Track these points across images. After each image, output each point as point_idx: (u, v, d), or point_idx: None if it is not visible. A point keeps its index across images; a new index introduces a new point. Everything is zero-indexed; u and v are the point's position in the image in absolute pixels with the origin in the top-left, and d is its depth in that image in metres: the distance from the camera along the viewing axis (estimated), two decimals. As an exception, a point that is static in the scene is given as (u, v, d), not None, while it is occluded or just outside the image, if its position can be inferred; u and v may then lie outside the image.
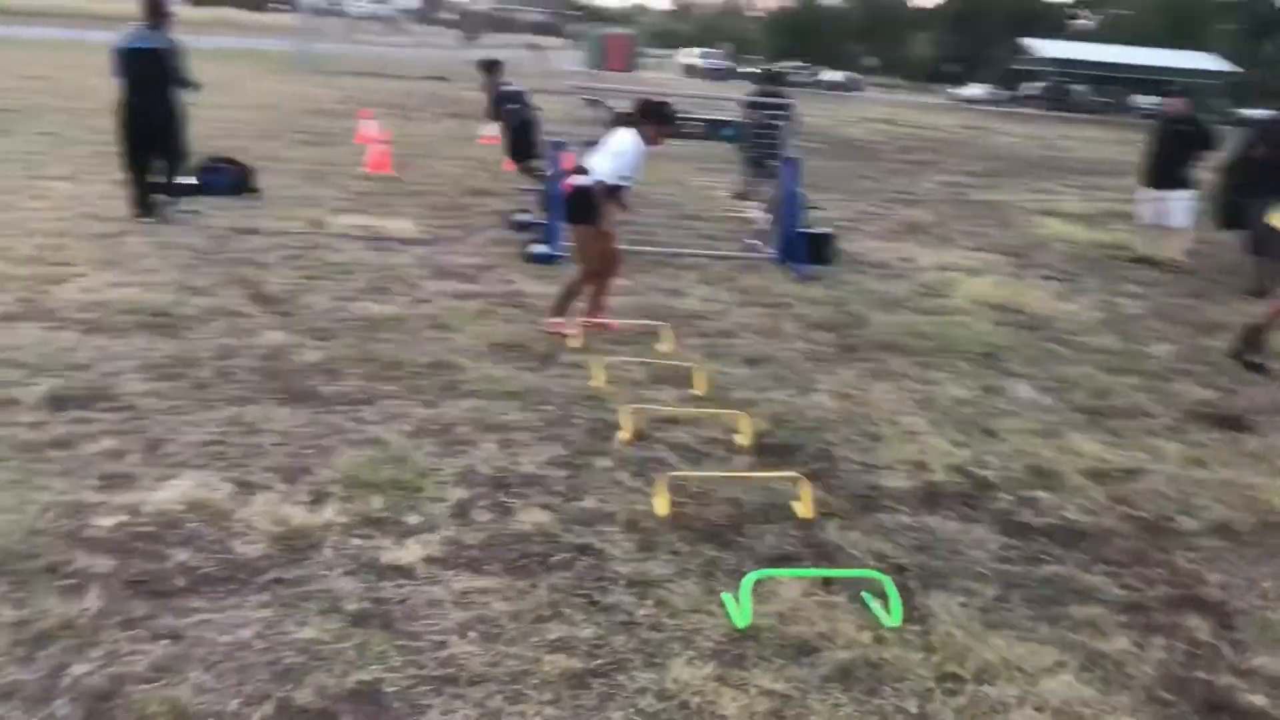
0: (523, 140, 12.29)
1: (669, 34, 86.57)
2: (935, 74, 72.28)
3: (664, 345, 6.91)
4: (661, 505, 4.52)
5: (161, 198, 9.67)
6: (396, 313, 7.22)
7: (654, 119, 6.96)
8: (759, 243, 10.60)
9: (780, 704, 3.29)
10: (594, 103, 9.82)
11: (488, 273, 8.71)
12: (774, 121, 10.70)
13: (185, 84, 9.42)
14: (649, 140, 6.88)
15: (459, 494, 4.54)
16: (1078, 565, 4.37)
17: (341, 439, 5.00)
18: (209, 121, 17.72)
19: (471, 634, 3.52)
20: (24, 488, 4.23)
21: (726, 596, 3.81)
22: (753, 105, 11.88)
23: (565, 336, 6.76)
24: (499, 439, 5.16)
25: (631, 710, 3.19)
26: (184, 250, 8.48)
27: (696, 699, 3.27)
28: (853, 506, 4.75)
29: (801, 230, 10.19)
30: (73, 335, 6.16)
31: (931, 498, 4.93)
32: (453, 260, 9.06)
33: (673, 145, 8.06)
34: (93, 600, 3.52)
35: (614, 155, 6.77)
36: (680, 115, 9.51)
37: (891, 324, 8.03)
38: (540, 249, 9.18)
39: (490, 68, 13.13)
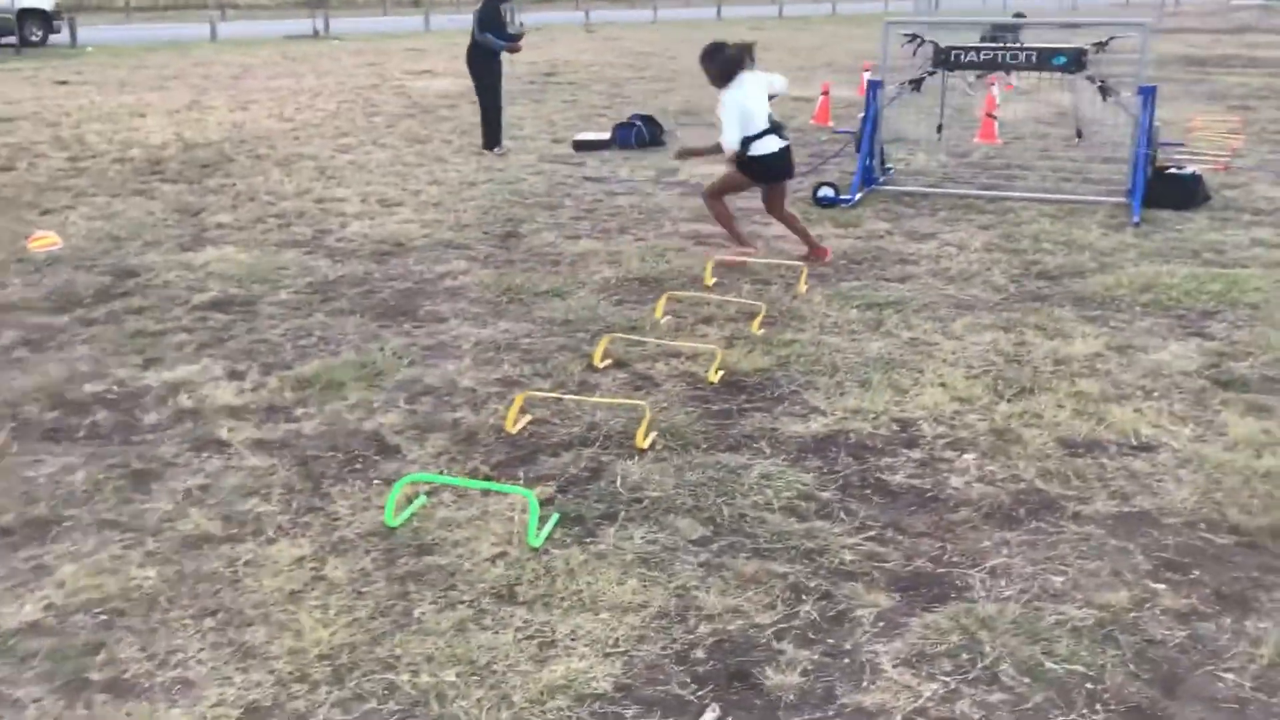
0: None
1: None
2: None
3: (800, 286, 6.73)
4: (509, 422, 4.73)
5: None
6: (589, 249, 7.75)
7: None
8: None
9: (312, 578, 3.53)
10: (913, 38, 9.35)
11: (758, 214, 8.80)
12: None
13: (481, 41, 11.31)
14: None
15: (363, 394, 5.10)
16: (851, 529, 3.85)
17: (351, 346, 5.75)
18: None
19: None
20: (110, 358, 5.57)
21: (392, 499, 4.00)
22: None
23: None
24: (474, 357, 5.59)
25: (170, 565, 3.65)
26: (509, 197, 9.64)
27: (247, 569, 3.63)
28: (708, 445, 4.55)
29: (1165, 170, 8.90)
30: (306, 259, 7.53)
31: (817, 445, 4.53)
32: (741, 204, 9.25)
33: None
34: None
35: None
36: (1009, 46, 8.87)
37: (1144, 274, 6.94)
38: (825, 192, 9.07)
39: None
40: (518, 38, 11.50)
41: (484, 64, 11.44)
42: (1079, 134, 9.62)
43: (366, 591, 3.47)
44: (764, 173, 7.03)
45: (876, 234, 8.11)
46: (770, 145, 6.92)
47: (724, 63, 6.88)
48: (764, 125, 6.85)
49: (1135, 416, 4.72)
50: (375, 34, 31.66)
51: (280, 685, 3.02)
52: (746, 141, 6.84)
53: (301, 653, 3.16)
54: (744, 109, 6.82)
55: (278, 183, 10.15)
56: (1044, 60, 8.91)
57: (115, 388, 5.22)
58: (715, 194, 7.35)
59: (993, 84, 13.74)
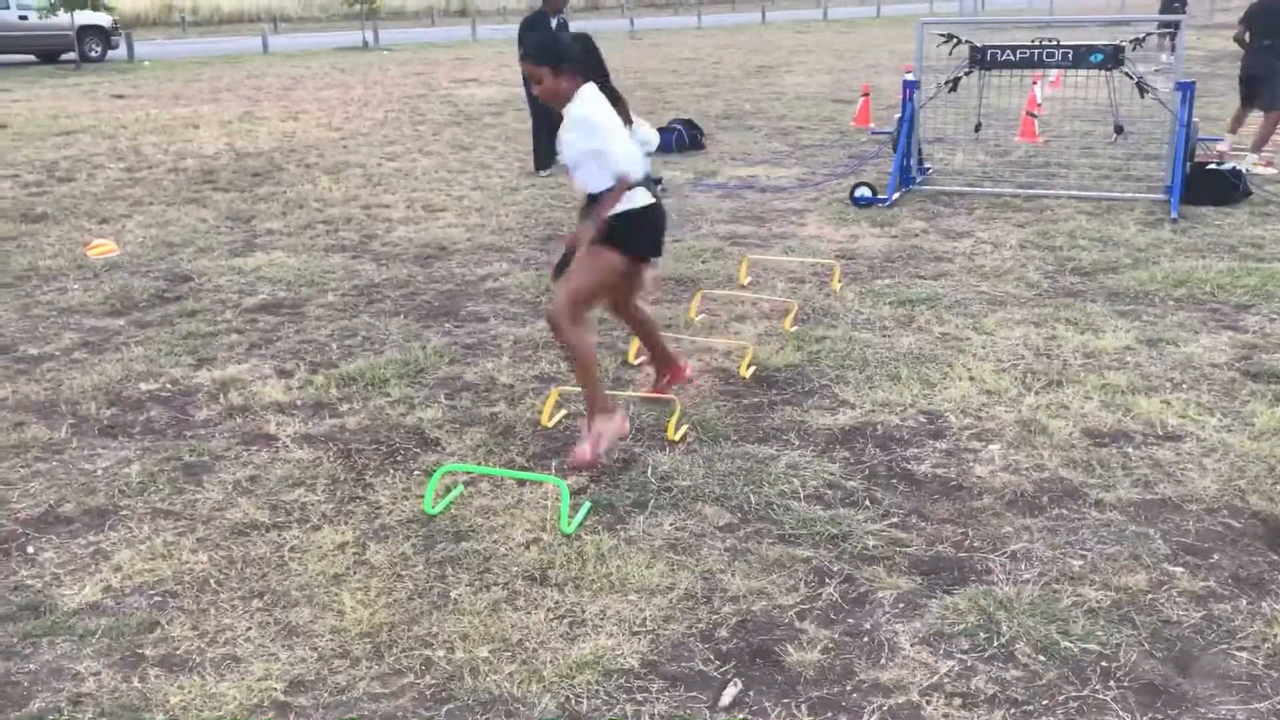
0: None
1: None
2: None
3: (834, 283, 6.82)
4: (545, 416, 4.87)
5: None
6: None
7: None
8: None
9: (354, 562, 3.70)
10: (949, 38, 9.41)
11: (794, 215, 8.94)
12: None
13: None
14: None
15: (405, 390, 5.27)
16: (875, 516, 3.95)
17: (394, 345, 5.93)
18: (783, 86, 19.22)
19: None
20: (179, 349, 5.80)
21: (431, 488, 4.15)
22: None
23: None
24: (512, 355, 5.74)
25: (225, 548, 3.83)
26: (550, 201, 9.81)
27: (293, 554, 3.80)
28: (738, 437, 4.66)
29: (1202, 166, 8.90)
30: (352, 263, 7.74)
31: (845, 437, 4.63)
32: (778, 205, 9.38)
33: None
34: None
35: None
36: (1044, 45, 8.92)
37: (1179, 269, 6.95)
38: (862, 192, 9.15)
39: None
40: None
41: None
42: (1118, 130, 9.60)
43: (405, 574, 3.62)
44: (636, 241, 4.40)
45: (912, 233, 8.18)
46: (644, 197, 4.33)
47: (569, 52, 4.31)
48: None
49: (1162, 407, 4.77)
50: (423, 44, 32.06)
51: (322, 661, 3.17)
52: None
53: (343, 631, 3.31)
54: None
55: (326, 190, 10.38)
56: (1080, 58, 8.92)
57: (169, 386, 5.43)
58: (576, 314, 4.32)
59: (1035, 82, 13.73)
